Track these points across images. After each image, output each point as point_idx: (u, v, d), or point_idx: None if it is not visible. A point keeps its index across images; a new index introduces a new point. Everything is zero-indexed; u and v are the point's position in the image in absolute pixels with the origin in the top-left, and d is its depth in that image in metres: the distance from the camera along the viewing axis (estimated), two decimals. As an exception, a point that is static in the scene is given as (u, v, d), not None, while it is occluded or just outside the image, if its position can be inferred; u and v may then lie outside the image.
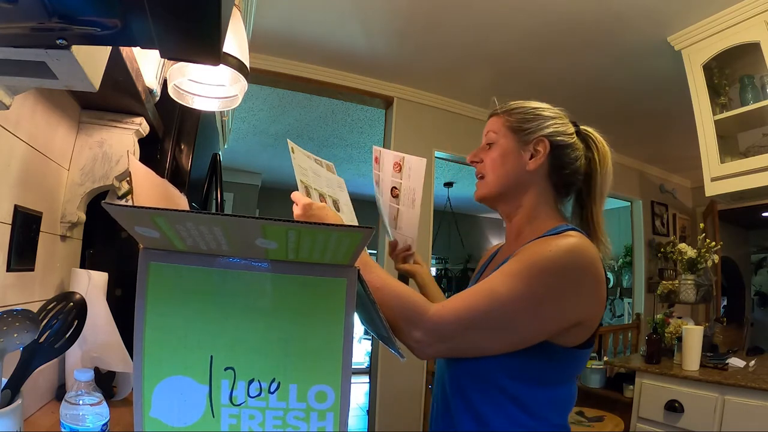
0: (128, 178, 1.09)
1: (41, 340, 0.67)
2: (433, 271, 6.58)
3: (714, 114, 2.04)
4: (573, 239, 0.74)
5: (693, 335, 2.13)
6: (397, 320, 0.70)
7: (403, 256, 1.08)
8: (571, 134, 0.85)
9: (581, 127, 0.88)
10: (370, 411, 2.96)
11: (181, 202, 0.97)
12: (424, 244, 3.04)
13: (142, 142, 1.18)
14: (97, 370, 0.95)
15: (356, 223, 1.00)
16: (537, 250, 0.73)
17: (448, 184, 5.33)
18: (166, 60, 1.02)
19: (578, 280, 0.72)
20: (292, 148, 0.88)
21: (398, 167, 1.05)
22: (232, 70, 0.86)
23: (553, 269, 0.70)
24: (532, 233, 0.82)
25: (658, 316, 2.58)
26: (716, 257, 2.48)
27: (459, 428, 0.78)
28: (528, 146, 0.84)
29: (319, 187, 0.92)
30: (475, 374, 0.77)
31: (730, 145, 2.09)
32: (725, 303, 3.92)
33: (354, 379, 0.53)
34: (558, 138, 0.84)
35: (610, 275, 5.16)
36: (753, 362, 2.15)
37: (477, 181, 0.89)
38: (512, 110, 0.87)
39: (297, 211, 0.79)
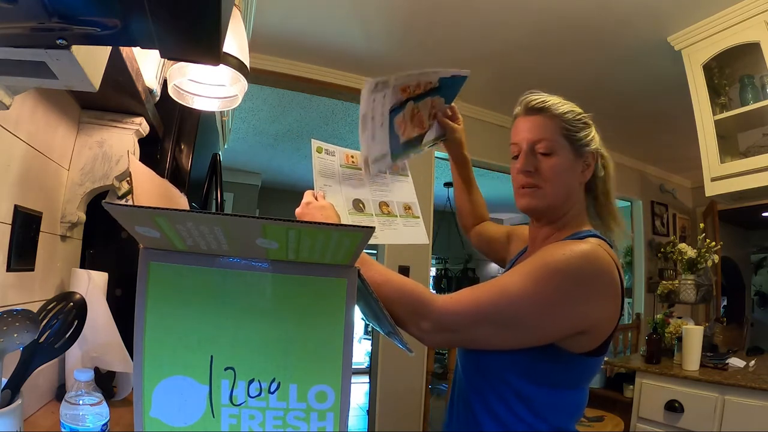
0: (128, 178, 1.09)
1: (41, 340, 0.67)
2: (433, 271, 6.58)
3: (714, 114, 2.03)
4: (589, 245, 0.73)
5: (693, 335, 2.13)
6: (403, 313, 0.70)
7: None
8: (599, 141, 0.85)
9: None
10: (370, 411, 2.96)
11: (182, 201, 0.98)
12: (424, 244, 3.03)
13: (142, 142, 1.17)
14: (97, 370, 0.95)
15: (422, 226, 0.99)
16: (552, 252, 0.73)
17: (448, 184, 5.33)
18: (166, 60, 1.02)
19: (589, 286, 0.71)
20: (318, 148, 0.86)
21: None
22: (232, 70, 0.86)
23: (564, 272, 0.70)
24: (559, 236, 0.82)
25: (658, 316, 2.58)
26: (716, 257, 2.48)
27: (480, 428, 0.78)
28: (581, 158, 0.82)
29: (347, 193, 0.90)
30: (486, 370, 0.77)
31: (730, 145, 2.08)
32: (725, 303, 3.92)
33: (354, 379, 0.53)
34: (600, 150, 0.84)
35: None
36: (753, 362, 2.15)
37: (527, 190, 0.82)
38: (563, 114, 0.82)
39: (298, 209, 0.79)
